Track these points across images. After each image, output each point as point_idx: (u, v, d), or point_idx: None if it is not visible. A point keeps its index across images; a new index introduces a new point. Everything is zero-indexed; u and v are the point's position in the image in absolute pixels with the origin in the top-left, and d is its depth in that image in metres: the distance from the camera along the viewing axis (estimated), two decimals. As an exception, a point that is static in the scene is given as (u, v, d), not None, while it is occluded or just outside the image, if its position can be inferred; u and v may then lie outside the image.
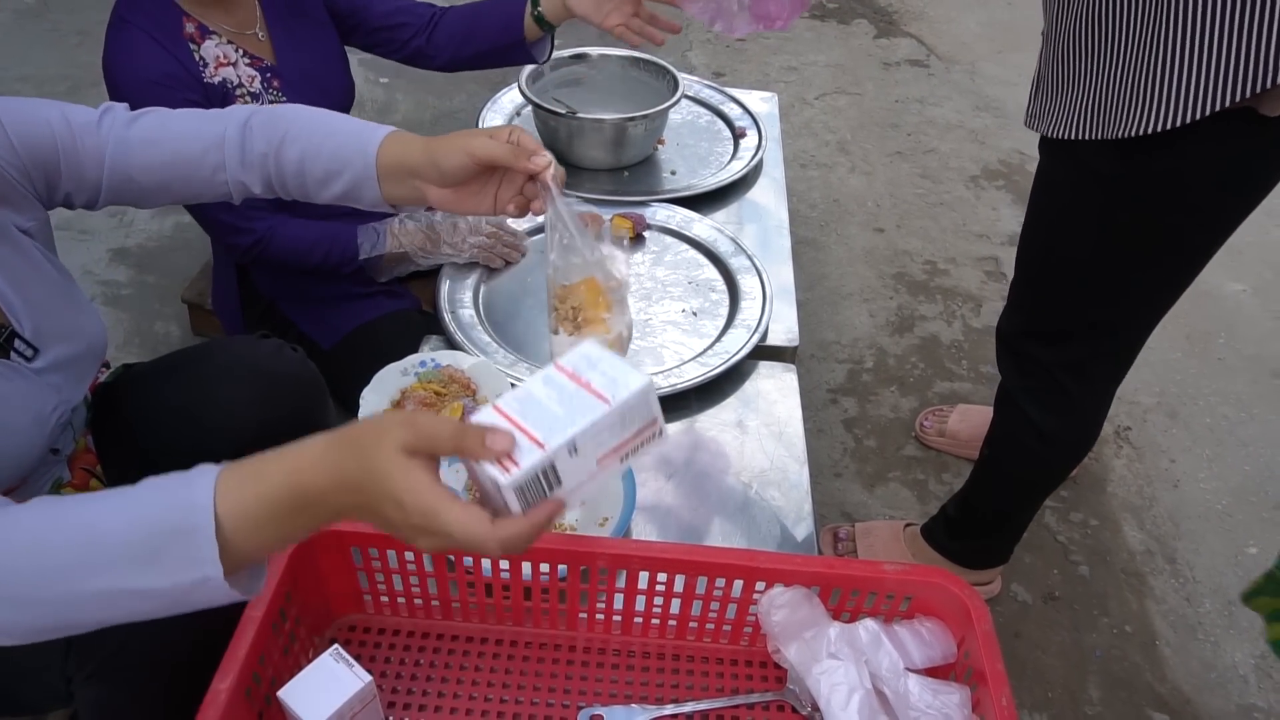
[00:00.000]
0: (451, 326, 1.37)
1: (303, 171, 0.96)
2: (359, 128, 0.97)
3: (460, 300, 1.44)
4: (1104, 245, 1.22)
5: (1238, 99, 0.99)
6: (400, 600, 0.97)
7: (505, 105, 1.90)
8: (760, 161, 1.81)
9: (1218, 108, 1.00)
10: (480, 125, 1.81)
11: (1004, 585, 1.74)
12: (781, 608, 0.89)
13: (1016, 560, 1.73)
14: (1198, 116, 1.01)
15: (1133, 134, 1.07)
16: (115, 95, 1.28)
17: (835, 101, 3.19)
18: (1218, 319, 2.39)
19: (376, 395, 1.19)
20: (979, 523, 1.62)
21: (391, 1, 1.60)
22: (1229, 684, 1.64)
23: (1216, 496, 1.96)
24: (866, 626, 0.90)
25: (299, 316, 1.59)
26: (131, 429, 1.15)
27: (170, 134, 0.96)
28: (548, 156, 0.91)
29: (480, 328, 1.39)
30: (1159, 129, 1.04)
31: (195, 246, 2.30)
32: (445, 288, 1.45)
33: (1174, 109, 1.02)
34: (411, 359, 1.27)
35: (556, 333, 1.04)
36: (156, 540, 0.62)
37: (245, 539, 0.64)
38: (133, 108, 0.98)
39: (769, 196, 1.76)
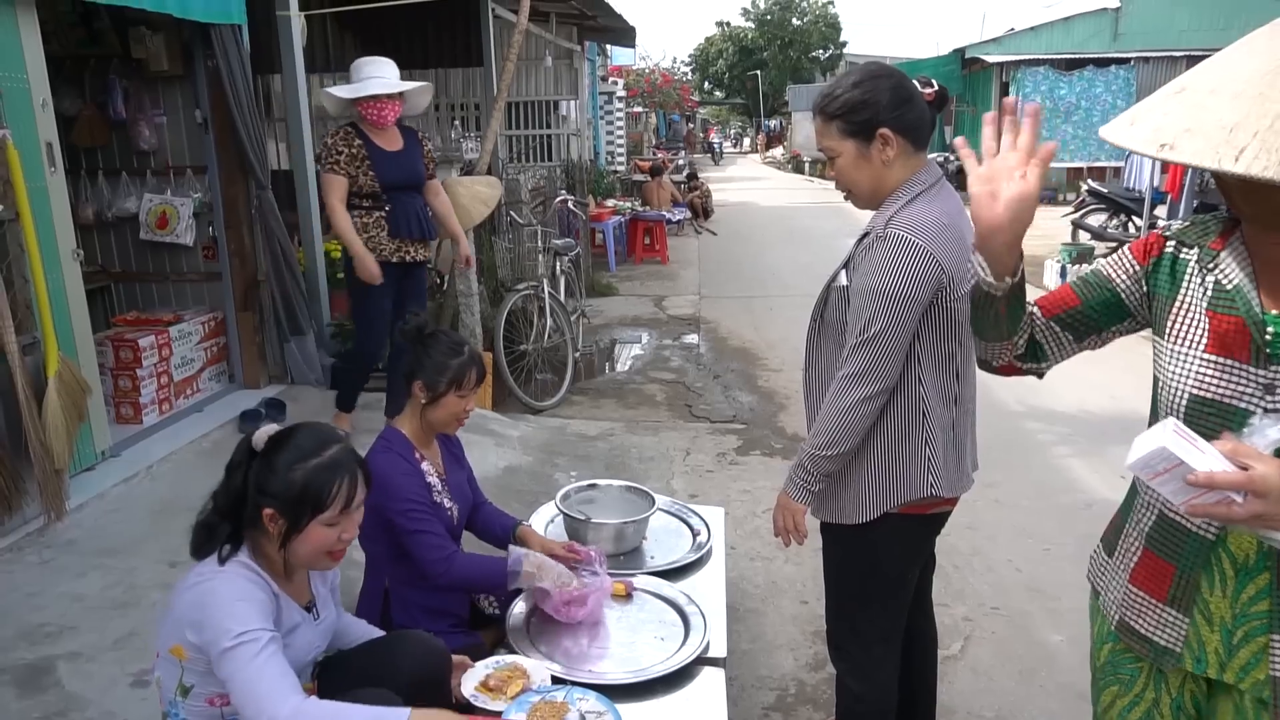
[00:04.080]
0: (514, 644, 2.17)
1: None
2: None
3: (517, 634, 2.25)
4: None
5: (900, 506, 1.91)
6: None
7: (544, 514, 2.84)
8: (709, 550, 2.69)
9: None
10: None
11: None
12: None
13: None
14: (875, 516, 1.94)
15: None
16: (381, 482, 2.18)
17: (777, 514, 4.13)
18: (1040, 657, 2.99)
19: (475, 673, 1.98)
20: None
21: (485, 510, 2.62)
22: None
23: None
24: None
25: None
26: (338, 678, 1.92)
27: None
28: None
29: (527, 642, 2.18)
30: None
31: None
32: (508, 628, 2.26)
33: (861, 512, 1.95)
34: (491, 659, 2.06)
35: None
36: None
37: None
38: (391, 491, 2.01)
39: (714, 572, 2.61)
